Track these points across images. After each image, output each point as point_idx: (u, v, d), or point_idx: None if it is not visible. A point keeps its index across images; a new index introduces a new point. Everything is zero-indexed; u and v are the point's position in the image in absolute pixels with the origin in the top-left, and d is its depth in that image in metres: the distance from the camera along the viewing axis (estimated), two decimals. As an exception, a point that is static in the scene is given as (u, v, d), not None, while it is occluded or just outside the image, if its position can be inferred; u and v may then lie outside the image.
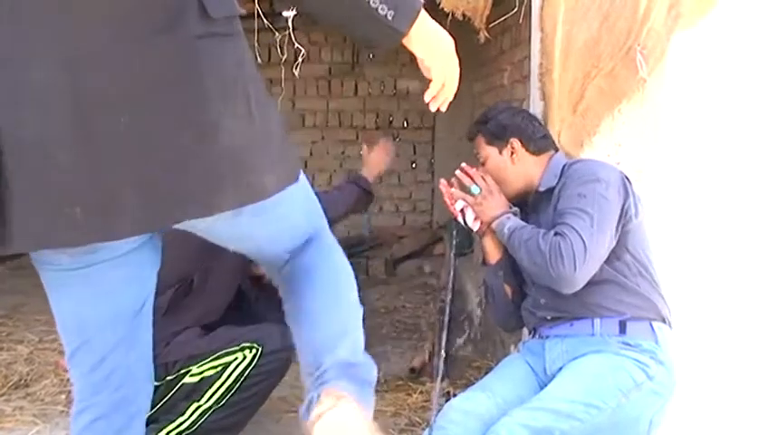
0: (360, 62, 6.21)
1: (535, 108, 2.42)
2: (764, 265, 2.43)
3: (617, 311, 1.98)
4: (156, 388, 2.22)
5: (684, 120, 2.37)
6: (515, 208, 2.11)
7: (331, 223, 2.43)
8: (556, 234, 1.90)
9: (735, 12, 2.34)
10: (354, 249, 5.95)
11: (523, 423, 1.81)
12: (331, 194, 2.47)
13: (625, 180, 2.01)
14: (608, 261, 1.93)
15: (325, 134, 6.25)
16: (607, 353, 1.94)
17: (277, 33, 3.06)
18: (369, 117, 6.28)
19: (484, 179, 2.12)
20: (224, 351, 2.26)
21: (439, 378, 2.31)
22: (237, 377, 2.24)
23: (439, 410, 1.99)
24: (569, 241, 1.87)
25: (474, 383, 2.19)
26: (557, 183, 2.04)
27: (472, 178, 2.12)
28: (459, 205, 2.12)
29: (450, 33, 1.45)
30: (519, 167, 2.11)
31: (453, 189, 2.14)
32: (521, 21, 2.56)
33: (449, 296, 2.27)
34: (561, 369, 1.98)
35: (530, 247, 1.93)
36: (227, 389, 2.24)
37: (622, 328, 1.96)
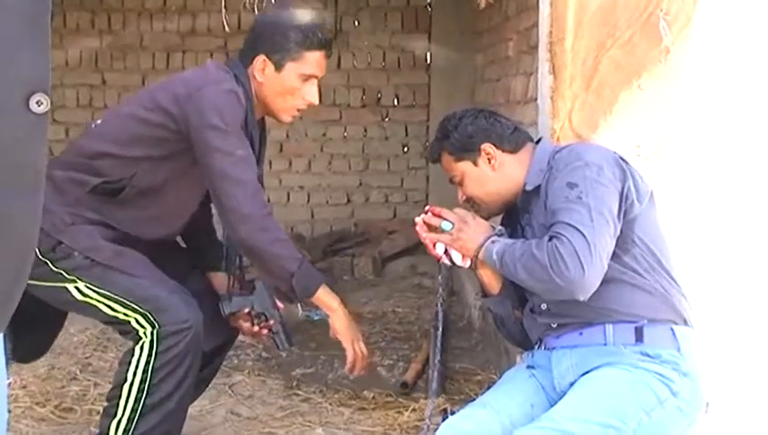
0: (343, 29, 6.21)
1: (544, 82, 2.42)
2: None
3: (631, 314, 1.98)
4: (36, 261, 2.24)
5: (713, 96, 2.38)
6: (499, 228, 2.10)
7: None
8: (551, 238, 1.90)
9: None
10: (338, 246, 5.96)
11: (532, 445, 1.82)
12: (270, 251, 2.29)
13: (620, 161, 2.01)
14: (613, 256, 1.93)
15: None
16: (623, 366, 1.93)
17: (247, -3, 3.06)
18: (355, 93, 6.27)
19: (453, 211, 2.12)
20: (115, 295, 2.26)
21: (433, 393, 2.32)
22: (143, 377, 2.25)
23: (435, 431, 2.00)
24: (566, 240, 1.85)
25: (474, 399, 2.20)
26: (543, 177, 2.04)
27: (439, 216, 2.12)
28: (440, 248, 2.13)
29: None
30: (501, 172, 2.11)
31: (425, 235, 2.14)
32: (527, -17, 2.56)
33: (439, 297, 2.28)
34: (572, 385, 1.99)
35: (526, 264, 1.91)
36: (138, 391, 2.25)
37: (639, 335, 1.96)
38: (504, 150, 2.12)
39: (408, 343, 4.02)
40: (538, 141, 2.20)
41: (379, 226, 6.16)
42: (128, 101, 2.47)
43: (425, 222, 2.14)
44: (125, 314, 2.27)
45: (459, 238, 2.08)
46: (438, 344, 2.23)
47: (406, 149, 6.32)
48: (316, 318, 4.51)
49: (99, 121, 2.48)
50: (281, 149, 6.23)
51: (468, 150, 2.13)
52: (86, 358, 3.77)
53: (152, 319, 2.25)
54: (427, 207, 2.18)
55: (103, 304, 2.28)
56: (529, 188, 2.08)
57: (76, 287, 2.29)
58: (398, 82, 6.26)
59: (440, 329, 2.27)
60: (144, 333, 2.25)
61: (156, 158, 2.31)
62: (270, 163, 6.19)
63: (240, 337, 3.99)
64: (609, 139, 2.30)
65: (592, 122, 2.33)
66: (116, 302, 2.28)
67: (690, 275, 2.20)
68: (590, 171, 1.94)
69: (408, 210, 6.24)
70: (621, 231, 1.95)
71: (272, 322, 2.46)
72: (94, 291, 2.28)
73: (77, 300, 2.29)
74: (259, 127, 2.46)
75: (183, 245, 2.64)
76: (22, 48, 0.89)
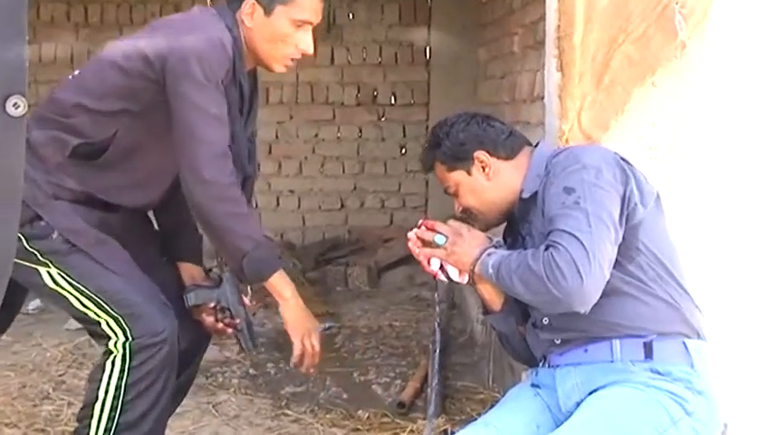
0: (337, 22, 6.22)
1: (551, 80, 2.43)
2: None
3: (638, 328, 1.97)
4: None
5: (731, 93, 2.38)
6: (497, 239, 2.11)
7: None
8: (548, 247, 1.90)
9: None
10: (331, 254, 5.96)
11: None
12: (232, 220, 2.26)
13: (621, 162, 2.01)
14: (617, 265, 1.93)
15: (294, 112, 6.25)
16: (633, 384, 1.93)
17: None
18: (349, 91, 6.28)
19: (447, 224, 2.12)
20: (88, 290, 2.24)
21: (432, 413, 2.33)
22: (115, 394, 2.23)
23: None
24: (563, 249, 1.85)
25: (476, 419, 2.20)
26: (540, 183, 2.05)
27: (433, 229, 2.13)
28: (435, 264, 2.13)
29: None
30: (497, 180, 2.12)
31: (418, 250, 2.14)
32: (533, -27, 2.58)
33: (437, 315, 2.29)
34: (578, 404, 1.98)
35: (522, 275, 1.92)
36: (111, 409, 2.23)
37: (648, 351, 1.96)
38: (498, 157, 2.13)
39: (405, 360, 4.03)
40: (538, 145, 2.20)
41: (374, 233, 6.16)
42: (105, 49, 2.43)
43: (418, 237, 2.14)
44: (96, 314, 2.25)
45: (454, 252, 2.08)
46: (437, 361, 2.23)
47: (403, 151, 6.32)
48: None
49: (76, 73, 2.44)
50: (270, 151, 6.23)
51: (461, 159, 2.14)
52: (60, 375, 3.76)
53: (124, 325, 2.23)
54: (420, 221, 2.18)
55: (75, 297, 2.26)
56: (526, 195, 2.08)
57: (48, 273, 2.27)
58: (395, 79, 6.27)
59: (438, 347, 2.26)
60: (115, 344, 2.24)
61: (136, 113, 2.28)
62: (258, 165, 6.19)
63: (226, 354, 4.03)
64: (620, 140, 2.30)
65: (603, 122, 2.34)
66: (88, 298, 2.26)
67: (706, 284, 2.21)
68: (588, 174, 1.94)
69: (406, 216, 6.25)
70: (624, 238, 1.95)
71: (237, 320, 2.43)
72: (67, 281, 2.26)
73: (47, 287, 2.28)
74: (250, 78, 2.43)
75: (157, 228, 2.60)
76: None
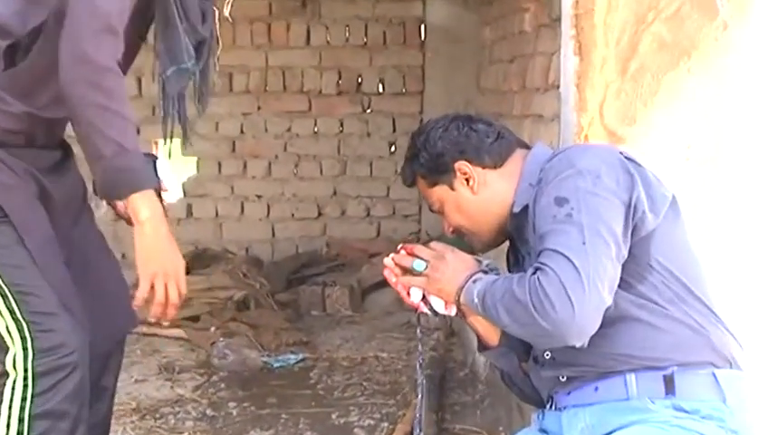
0: (314, -4, 6.24)
1: (568, 65, 2.44)
2: None
3: (655, 359, 1.97)
4: None
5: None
6: (486, 262, 2.11)
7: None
8: (536, 270, 1.89)
9: None
10: (305, 272, 5.96)
11: None
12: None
13: (626, 163, 2.01)
14: (624, 286, 1.94)
15: (262, 102, 6.26)
16: (654, 425, 1.93)
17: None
18: (328, 77, 6.28)
19: (428, 247, 2.12)
20: (2, 279, 2.21)
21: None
22: (19, 430, 2.17)
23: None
24: (551, 272, 1.84)
25: (476, 470, 2.21)
26: (533, 193, 2.05)
27: (411, 254, 2.13)
28: (416, 294, 2.13)
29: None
30: (485, 193, 2.13)
31: (395, 279, 2.15)
32: (547, -62, 2.59)
33: (420, 354, 2.29)
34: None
35: (508, 306, 1.90)
36: None
37: (669, 385, 1.95)
38: (484, 166, 2.13)
39: (393, 398, 4.03)
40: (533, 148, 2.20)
41: (357, 247, 6.16)
42: None
43: (396, 263, 2.14)
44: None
45: (436, 280, 2.08)
46: (420, 410, 2.22)
47: (393, 149, 6.33)
48: (276, 365, 4.52)
49: None
50: (233, 148, 6.23)
51: (441, 172, 2.14)
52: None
53: (27, 334, 2.19)
54: (399, 246, 2.17)
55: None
56: (516, 209, 2.08)
57: None
58: (383, 63, 6.28)
59: (421, 394, 2.25)
60: (14, 362, 2.18)
61: None
62: (219, 165, 6.20)
63: (179, 391, 4.02)
64: (650, 137, 2.31)
65: (629, 116, 2.34)
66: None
67: (751, 307, 2.21)
68: (584, 181, 1.93)
69: (396, 226, 6.26)
70: (632, 253, 1.95)
71: None
72: None
73: None
74: None
75: None
76: None
